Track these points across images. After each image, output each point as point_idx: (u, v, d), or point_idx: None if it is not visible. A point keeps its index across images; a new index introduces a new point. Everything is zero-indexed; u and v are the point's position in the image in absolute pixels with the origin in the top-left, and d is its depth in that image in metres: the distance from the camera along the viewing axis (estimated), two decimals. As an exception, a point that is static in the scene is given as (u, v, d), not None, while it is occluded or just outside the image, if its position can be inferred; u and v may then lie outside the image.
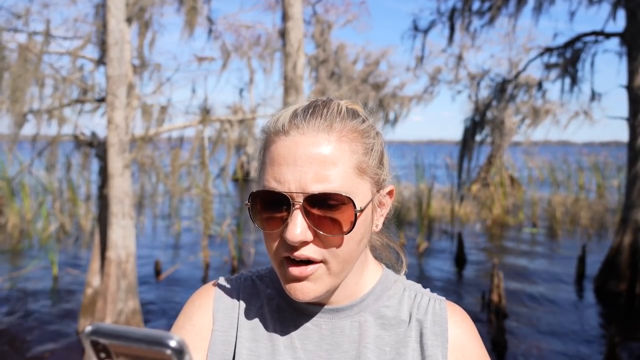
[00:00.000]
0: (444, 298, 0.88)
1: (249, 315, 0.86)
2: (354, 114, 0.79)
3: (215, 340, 0.84)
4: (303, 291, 0.76)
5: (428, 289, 0.90)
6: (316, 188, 0.72)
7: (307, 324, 0.84)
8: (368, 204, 0.77)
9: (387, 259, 0.93)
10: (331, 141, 0.75)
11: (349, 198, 0.73)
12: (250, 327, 0.85)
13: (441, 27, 9.54)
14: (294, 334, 0.84)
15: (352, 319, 0.84)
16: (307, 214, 0.73)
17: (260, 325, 0.85)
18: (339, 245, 0.75)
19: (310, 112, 0.77)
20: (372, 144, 0.79)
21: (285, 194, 0.73)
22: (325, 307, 0.84)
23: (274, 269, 0.91)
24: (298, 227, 0.73)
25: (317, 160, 0.73)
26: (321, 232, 0.74)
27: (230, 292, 0.89)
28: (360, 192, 0.76)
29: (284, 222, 0.74)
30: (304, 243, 0.74)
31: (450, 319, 0.84)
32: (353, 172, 0.75)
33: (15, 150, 6.25)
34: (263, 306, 0.87)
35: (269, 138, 0.79)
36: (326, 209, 0.73)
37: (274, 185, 0.74)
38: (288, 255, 0.75)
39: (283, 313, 0.86)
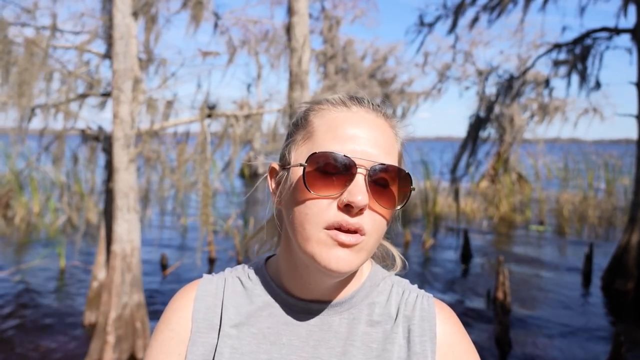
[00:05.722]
0: (431, 295, 0.88)
1: (233, 312, 0.85)
2: (394, 114, 0.86)
3: (195, 342, 0.83)
4: (346, 260, 0.75)
5: (415, 285, 0.91)
6: (380, 160, 0.77)
7: (296, 320, 0.84)
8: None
9: (377, 258, 0.93)
10: (387, 126, 0.82)
11: (409, 174, 0.79)
12: (234, 325, 0.84)
13: (449, 23, 9.43)
14: (281, 330, 0.83)
15: (342, 315, 0.84)
16: (368, 183, 0.76)
17: (246, 322, 0.84)
18: (382, 221, 0.78)
19: (366, 98, 0.84)
20: (403, 142, 0.86)
21: (353, 159, 0.75)
22: (315, 303, 0.84)
23: (259, 266, 0.91)
24: (363, 191, 0.74)
25: (380, 138, 0.79)
26: (377, 204, 0.77)
27: (213, 291, 0.88)
28: None
29: (343, 188, 0.75)
30: (360, 211, 0.75)
31: (439, 315, 0.85)
32: (397, 160, 0.82)
33: (24, 143, 6.31)
34: (250, 303, 0.86)
35: (323, 108, 0.82)
36: (385, 182, 0.77)
37: (338, 149, 0.76)
38: (337, 224, 0.74)
39: (271, 309, 0.85)
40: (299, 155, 0.80)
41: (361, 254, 0.77)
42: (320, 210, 0.75)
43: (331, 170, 0.75)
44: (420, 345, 0.81)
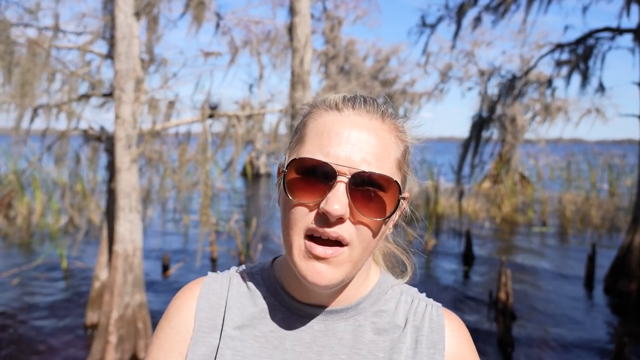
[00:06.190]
0: (440, 305, 0.87)
1: (237, 313, 0.83)
2: (397, 115, 0.82)
3: (197, 342, 0.81)
4: (322, 274, 0.73)
5: (424, 294, 0.89)
6: (364, 168, 0.73)
7: (300, 325, 0.82)
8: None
9: (385, 266, 0.92)
10: (384, 129, 0.77)
11: (397, 182, 0.74)
12: (237, 326, 0.82)
13: (450, 24, 9.41)
14: (285, 334, 0.81)
15: (347, 322, 0.82)
16: (349, 191, 0.72)
17: (249, 324, 0.82)
18: (368, 232, 0.74)
19: (362, 99, 0.79)
20: (409, 146, 0.82)
21: (333, 165, 0.72)
22: (320, 308, 0.82)
23: (266, 267, 0.89)
24: (340, 201, 0.71)
25: (369, 143, 0.74)
26: (360, 213, 0.72)
27: (217, 290, 0.86)
28: None
29: (323, 195, 0.72)
30: (340, 220, 0.72)
31: (448, 327, 0.84)
32: (394, 165, 0.77)
33: (27, 143, 6.31)
34: (254, 305, 0.84)
35: (317, 112, 0.79)
36: (369, 191, 0.73)
37: (320, 157, 0.73)
38: (314, 230, 0.73)
39: (275, 312, 0.83)
40: (290, 159, 0.79)
41: (343, 267, 0.74)
42: (301, 216, 0.74)
43: (312, 177, 0.73)
44: (428, 357, 0.80)
